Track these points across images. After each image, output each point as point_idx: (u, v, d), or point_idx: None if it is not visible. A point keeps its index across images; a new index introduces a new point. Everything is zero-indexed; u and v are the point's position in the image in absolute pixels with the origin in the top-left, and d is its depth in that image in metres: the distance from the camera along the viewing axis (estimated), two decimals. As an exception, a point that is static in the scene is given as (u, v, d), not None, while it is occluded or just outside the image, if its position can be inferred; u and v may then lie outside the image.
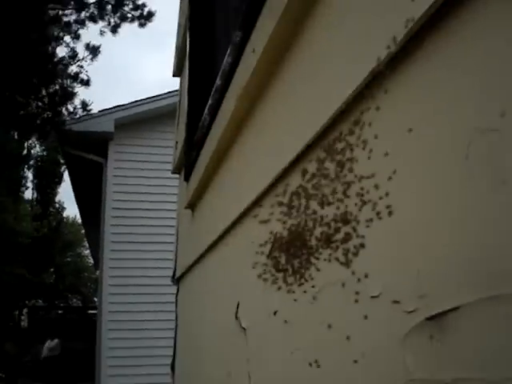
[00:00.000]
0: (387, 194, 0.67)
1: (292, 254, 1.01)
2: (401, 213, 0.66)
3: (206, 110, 2.08)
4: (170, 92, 8.86)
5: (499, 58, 0.53)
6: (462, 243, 0.56)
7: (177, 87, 3.77)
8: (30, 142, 19.20)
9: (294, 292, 1.02)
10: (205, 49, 2.60)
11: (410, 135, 0.64)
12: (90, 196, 10.76)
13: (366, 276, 0.72)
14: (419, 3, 0.62)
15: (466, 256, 0.55)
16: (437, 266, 0.59)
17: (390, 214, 0.66)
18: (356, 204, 0.75)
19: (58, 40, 10.46)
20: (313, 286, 0.91)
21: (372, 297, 0.71)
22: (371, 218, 0.70)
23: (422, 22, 0.62)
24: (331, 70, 0.89)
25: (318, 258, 0.87)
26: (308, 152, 0.98)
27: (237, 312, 1.54)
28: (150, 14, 11.33)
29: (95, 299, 23.87)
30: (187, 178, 2.50)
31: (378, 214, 0.69)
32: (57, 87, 10.23)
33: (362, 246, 0.73)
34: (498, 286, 0.50)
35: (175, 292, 3.24)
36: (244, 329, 1.45)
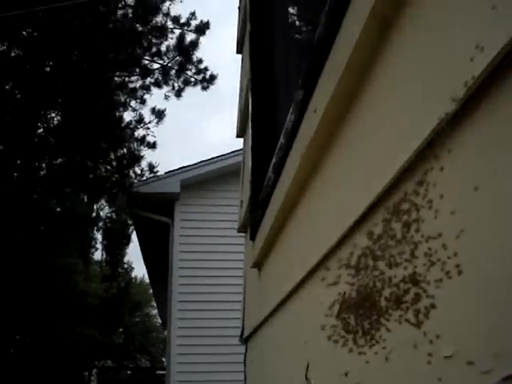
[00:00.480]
0: (456, 254, 0.66)
1: (361, 315, 1.00)
2: (470, 271, 0.64)
3: (270, 169, 2.11)
4: (233, 152, 9.01)
5: None
6: None
7: (239, 147, 3.84)
8: (99, 204, 19.77)
9: (364, 353, 0.99)
10: (267, 108, 2.66)
11: (475, 193, 0.64)
12: (158, 256, 10.92)
13: (438, 337, 0.70)
14: (478, 62, 0.62)
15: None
16: (510, 323, 0.57)
17: (459, 273, 0.65)
18: (425, 264, 0.73)
19: (125, 105, 10.88)
20: (384, 348, 0.89)
21: (445, 357, 0.69)
22: (440, 278, 0.69)
23: (480, 80, 0.62)
24: (393, 130, 0.90)
25: (388, 319, 0.85)
26: (372, 212, 0.98)
27: (307, 373, 1.51)
28: (212, 77, 11.68)
29: (163, 359, 23.90)
30: (253, 237, 2.52)
31: (447, 273, 0.68)
32: (124, 151, 10.60)
33: (433, 306, 0.71)
34: None
35: (243, 351, 3.21)
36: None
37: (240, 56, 3.71)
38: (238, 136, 3.59)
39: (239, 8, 3.70)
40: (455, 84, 0.67)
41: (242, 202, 3.37)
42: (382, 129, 0.96)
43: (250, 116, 2.76)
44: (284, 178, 1.75)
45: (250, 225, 2.60)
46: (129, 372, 23.14)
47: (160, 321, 25.59)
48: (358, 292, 1.03)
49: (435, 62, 0.75)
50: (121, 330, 28.07)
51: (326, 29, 1.28)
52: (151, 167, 10.60)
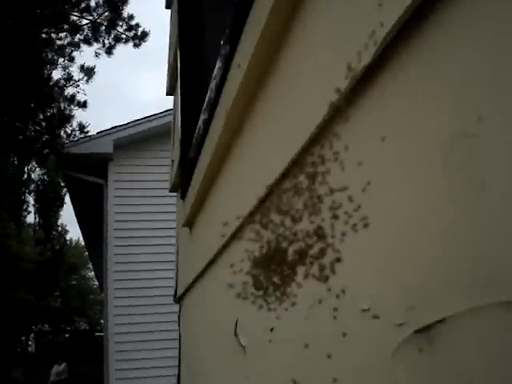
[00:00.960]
0: (360, 207, 0.66)
1: (271, 271, 1.00)
2: (378, 225, 0.64)
3: (198, 126, 2.08)
4: (166, 111, 8.87)
5: (474, 62, 0.51)
6: (446, 252, 0.54)
7: (170, 106, 3.77)
8: (30, 166, 19.22)
9: (275, 310, 1.00)
10: (195, 65, 2.60)
11: (383, 144, 0.63)
12: (92, 217, 10.76)
13: (344, 291, 0.70)
14: (388, 11, 0.61)
15: (451, 265, 0.53)
16: (422, 276, 0.58)
17: (365, 226, 0.65)
18: (330, 218, 0.73)
19: (53, 63, 10.50)
20: (292, 303, 0.89)
21: (353, 311, 0.69)
22: (345, 232, 0.69)
23: (391, 31, 0.61)
24: (307, 87, 0.88)
25: (295, 275, 0.85)
26: (287, 169, 0.97)
27: (236, 329, 1.52)
28: (144, 34, 11.38)
29: (101, 321, 23.81)
30: (183, 196, 2.49)
31: (353, 226, 0.67)
32: (54, 110, 10.27)
33: (339, 260, 0.71)
34: (484, 295, 0.48)
35: (177, 311, 3.21)
36: (243, 346, 1.43)
37: (169, 11, 3.61)
38: (167, 94, 3.52)
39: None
40: (361, 38, 0.66)
41: (173, 161, 3.33)
42: (300, 85, 0.94)
43: (179, 73, 2.70)
44: (211, 135, 1.73)
45: (181, 184, 2.57)
46: (67, 335, 22.95)
47: (97, 283, 25.39)
48: (266, 248, 1.02)
49: (347, 13, 0.73)
50: (57, 293, 27.71)
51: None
52: (82, 127, 10.32)
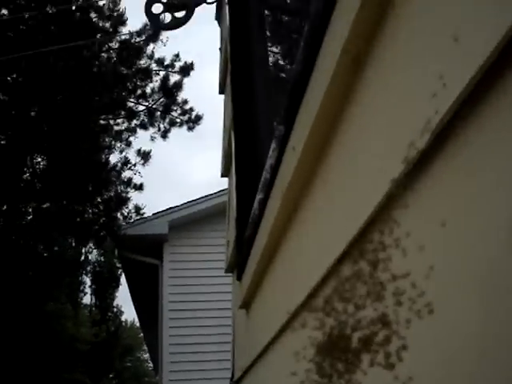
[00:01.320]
0: (423, 292, 0.64)
1: (335, 358, 0.97)
2: (442, 311, 0.62)
3: (253, 207, 2.09)
4: (220, 191, 8.99)
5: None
6: (501, 340, 0.52)
7: (225, 186, 3.83)
8: (87, 247, 19.62)
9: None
10: (249, 147, 2.65)
11: (444, 228, 0.62)
12: (147, 298, 10.78)
13: (411, 379, 0.67)
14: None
15: (503, 352, 0.51)
16: (486, 362, 0.55)
17: (430, 312, 0.63)
18: (393, 304, 0.71)
19: (110, 148, 10.89)
20: None
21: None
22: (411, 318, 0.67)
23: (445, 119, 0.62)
24: (365, 171, 0.89)
25: (360, 363, 0.82)
26: (348, 253, 0.96)
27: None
28: (198, 118, 11.73)
29: (156, 404, 23.40)
30: (240, 277, 2.48)
31: (417, 312, 0.65)
32: (111, 193, 10.57)
33: (404, 347, 0.69)
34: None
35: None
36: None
37: (223, 96, 3.73)
38: (222, 175, 3.58)
39: (220, 49, 3.74)
40: (419, 122, 0.66)
41: (228, 241, 3.35)
42: (355, 171, 0.95)
43: (233, 155, 2.76)
44: (267, 216, 1.74)
45: (237, 264, 2.57)
46: (122, 419, 22.63)
47: (152, 365, 25.17)
48: (329, 335, 1.00)
49: (406, 99, 0.74)
50: (112, 375, 27.57)
51: (302, 65, 1.28)
52: (138, 209, 10.57)
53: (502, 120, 0.56)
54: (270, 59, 2.69)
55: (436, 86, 0.61)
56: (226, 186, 8.50)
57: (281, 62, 2.55)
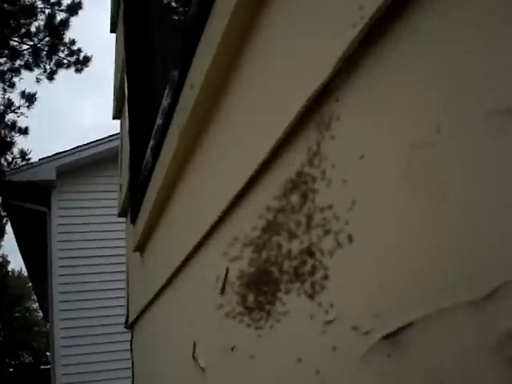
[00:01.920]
0: (347, 223, 0.68)
1: (256, 289, 1.00)
2: (358, 240, 0.66)
3: (148, 151, 2.07)
4: (109, 136, 8.80)
5: (434, 72, 0.54)
6: (409, 258, 0.56)
7: (115, 131, 3.74)
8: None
9: (258, 328, 1.00)
10: (143, 89, 2.60)
11: (362, 162, 0.65)
12: (36, 247, 10.49)
13: (332, 306, 0.71)
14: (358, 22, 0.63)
15: (414, 270, 0.55)
16: (388, 284, 0.59)
17: (349, 241, 0.67)
18: (319, 235, 0.74)
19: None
20: (278, 321, 0.89)
21: (327, 322, 0.70)
22: (333, 248, 0.70)
23: (355, 42, 0.64)
24: (273, 97, 0.90)
25: (286, 293, 0.86)
26: (259, 183, 0.98)
27: (194, 352, 1.51)
28: (87, 59, 11.30)
29: (47, 354, 23.10)
30: (134, 221, 2.47)
31: (338, 243, 0.69)
32: (-6, 137, 10.05)
33: (326, 277, 0.72)
34: (446, 299, 0.50)
35: (129, 339, 3.16)
36: (202, 368, 1.42)
37: (114, 35, 3.60)
38: (114, 118, 3.49)
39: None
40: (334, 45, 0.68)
41: (121, 185, 3.30)
42: (260, 99, 0.96)
43: (126, 97, 2.69)
44: (163, 159, 1.72)
45: (131, 208, 2.54)
46: (11, 369, 22.17)
47: (42, 314, 24.68)
48: (255, 267, 1.02)
49: (313, 23, 0.75)
50: (0, 326, 26.79)
51: (199, 5, 1.27)
52: (23, 154, 10.14)
53: (408, 45, 0.58)
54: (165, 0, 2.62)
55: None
56: (114, 132, 8.32)
57: (177, 4, 2.49)
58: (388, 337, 0.58)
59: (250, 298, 1.04)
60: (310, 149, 0.77)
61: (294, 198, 0.83)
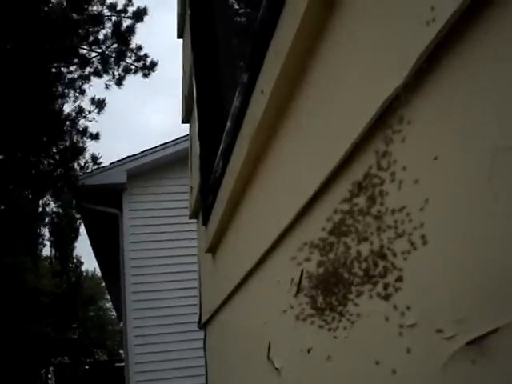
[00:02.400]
0: (421, 225, 0.68)
1: (328, 291, 1.01)
2: (434, 241, 0.66)
3: (218, 154, 2.10)
4: (178, 138, 8.95)
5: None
6: (492, 263, 0.56)
7: (183, 133, 3.81)
8: (45, 199, 19.37)
9: (332, 330, 1.01)
10: (212, 93, 2.64)
11: (436, 163, 0.65)
12: (108, 248, 10.79)
13: (409, 308, 0.71)
14: (431, 29, 0.63)
15: (499, 277, 0.55)
16: (472, 289, 0.59)
17: (424, 243, 0.67)
18: (391, 237, 0.75)
19: (64, 97, 10.65)
20: (352, 322, 0.90)
21: (412, 327, 0.71)
22: (408, 250, 0.71)
23: (432, 47, 0.64)
24: (343, 105, 0.91)
25: (357, 295, 0.86)
26: (329, 187, 0.99)
27: (269, 353, 1.53)
28: (153, 64, 11.55)
29: (121, 352, 23.73)
30: (205, 223, 2.51)
31: (412, 244, 0.69)
32: (67, 143, 10.39)
33: (401, 279, 0.72)
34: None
35: (202, 337, 3.22)
36: (278, 369, 1.43)
37: (181, 41, 3.67)
38: (183, 122, 3.56)
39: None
40: (409, 52, 0.68)
41: (191, 188, 3.36)
42: (332, 105, 0.97)
43: (195, 101, 2.74)
44: (234, 162, 1.75)
45: (202, 210, 2.59)
46: (87, 367, 22.88)
47: (115, 313, 25.35)
48: (324, 269, 1.03)
49: (384, 34, 0.76)
50: (75, 325, 27.69)
51: (268, 10, 1.28)
52: (95, 159, 10.45)
53: (492, 50, 0.58)
54: (231, 2, 2.66)
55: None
56: (182, 134, 8.45)
57: (241, 5, 2.51)
58: (473, 342, 0.58)
59: (320, 299, 1.05)
60: (379, 151, 0.78)
61: (362, 200, 0.83)
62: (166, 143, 9.19)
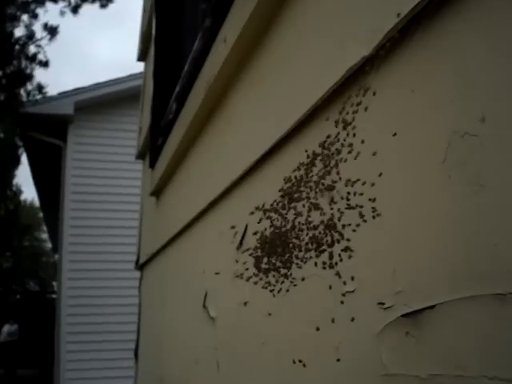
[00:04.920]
0: (374, 198, 0.68)
1: (272, 252, 1.02)
2: (385, 215, 0.67)
3: (173, 97, 2.07)
4: (130, 75, 8.74)
5: (480, 63, 0.54)
6: (440, 244, 0.57)
7: (136, 70, 3.71)
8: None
9: (271, 288, 1.02)
10: (171, 34, 2.58)
11: (394, 139, 0.65)
12: (49, 179, 10.57)
13: (353, 278, 0.72)
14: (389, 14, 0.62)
15: (444, 256, 0.56)
16: (414, 265, 0.60)
17: (373, 217, 0.68)
18: (342, 208, 0.75)
19: (15, 19, 10.18)
20: (295, 285, 0.91)
21: (348, 292, 0.72)
22: (358, 223, 0.71)
23: (403, 23, 0.63)
24: (304, 69, 0.90)
25: (303, 261, 0.87)
26: (284, 149, 0.99)
27: (205, 301, 1.54)
28: (113, -5, 11.14)
29: (54, 283, 23.56)
30: (152, 165, 2.48)
31: (362, 217, 0.70)
32: (14, 68, 9.99)
33: (349, 249, 0.73)
34: (474, 287, 0.51)
35: (137, 277, 3.22)
36: (212, 318, 1.45)
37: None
38: (139, 59, 3.46)
39: None
40: (380, 22, 0.67)
41: (140, 128, 3.30)
42: (295, 65, 0.95)
43: (153, 40, 2.67)
44: (188, 108, 1.73)
45: (150, 153, 2.56)
46: (18, 296, 22.65)
47: (50, 245, 25.07)
48: (272, 231, 1.04)
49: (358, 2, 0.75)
50: (9, 254, 27.26)
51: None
52: (40, 88, 10.09)
53: (457, 31, 0.58)
54: None
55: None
56: (135, 71, 8.24)
57: None
58: (408, 315, 0.60)
59: (265, 259, 1.06)
60: (338, 121, 0.78)
61: (318, 169, 0.83)
62: (117, 79, 8.95)
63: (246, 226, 1.21)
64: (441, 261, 0.56)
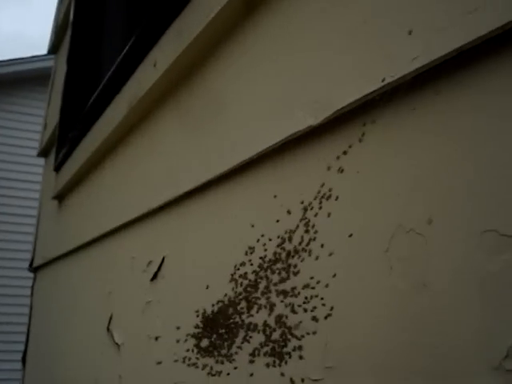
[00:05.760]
0: (323, 298, 0.68)
1: (214, 330, 0.98)
2: (336, 314, 0.66)
3: (88, 106, 1.99)
4: (33, 57, 8.28)
5: (432, 166, 0.55)
6: (385, 344, 0.58)
7: (38, 52, 3.54)
8: None
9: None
10: (90, 35, 2.48)
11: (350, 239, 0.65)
12: None
13: (302, 381, 0.72)
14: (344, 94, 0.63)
15: (382, 350, 0.57)
16: (352, 359, 0.61)
17: (326, 317, 0.67)
18: (299, 306, 0.73)
19: None
20: (232, 360, 0.88)
21: None
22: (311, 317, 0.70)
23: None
24: (240, 123, 0.88)
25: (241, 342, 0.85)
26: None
27: (109, 324, 1.50)
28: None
29: None
30: (58, 169, 2.38)
31: (313, 317, 0.69)
32: None
33: (300, 348, 0.71)
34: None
35: (30, 280, 3.08)
36: (117, 344, 1.41)
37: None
38: (49, 52, 3.30)
39: None
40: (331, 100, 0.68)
41: (46, 124, 3.16)
42: (231, 115, 0.94)
43: (69, 37, 2.56)
44: (105, 122, 1.67)
45: (55, 156, 2.44)
46: None
47: None
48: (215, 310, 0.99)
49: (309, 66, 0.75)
50: None
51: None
52: None
53: (406, 128, 0.59)
54: None
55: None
56: (37, 52, 7.82)
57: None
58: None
59: (207, 336, 1.01)
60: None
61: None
62: (19, 58, 8.45)
63: (163, 259, 1.19)
64: (378, 356, 0.57)
